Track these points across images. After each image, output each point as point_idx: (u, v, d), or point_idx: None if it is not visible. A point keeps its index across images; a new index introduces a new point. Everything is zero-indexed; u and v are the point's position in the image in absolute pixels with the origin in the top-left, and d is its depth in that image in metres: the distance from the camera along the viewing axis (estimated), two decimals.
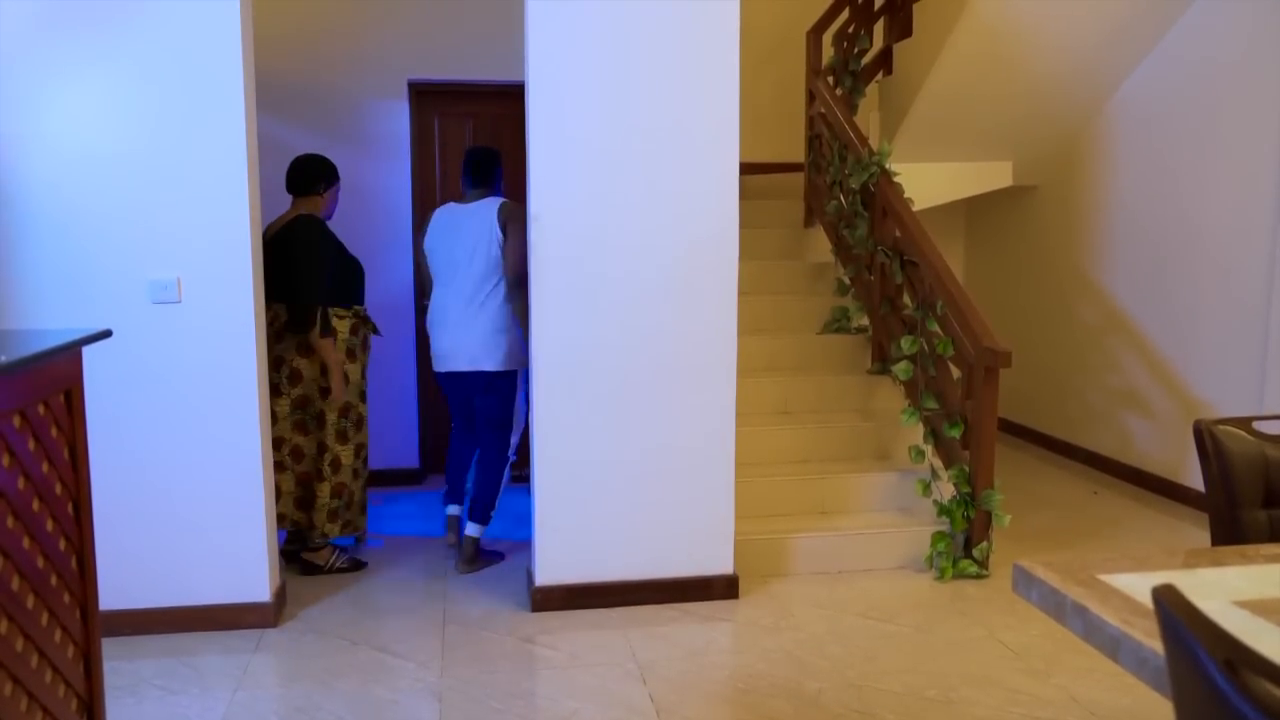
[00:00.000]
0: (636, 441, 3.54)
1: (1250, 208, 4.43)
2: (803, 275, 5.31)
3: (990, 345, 3.80)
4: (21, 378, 1.85)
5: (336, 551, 3.96)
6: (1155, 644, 1.28)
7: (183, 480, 3.30)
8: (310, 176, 3.91)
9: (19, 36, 3.11)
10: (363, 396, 3.98)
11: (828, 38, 5.42)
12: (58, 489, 2.01)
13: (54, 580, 1.98)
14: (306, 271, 3.73)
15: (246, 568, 3.38)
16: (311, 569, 3.91)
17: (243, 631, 3.36)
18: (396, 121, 5.06)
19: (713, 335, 3.56)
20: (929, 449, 4.11)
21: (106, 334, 2.17)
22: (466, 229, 3.86)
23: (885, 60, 5.58)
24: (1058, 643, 3.23)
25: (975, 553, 3.87)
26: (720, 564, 3.66)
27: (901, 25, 5.40)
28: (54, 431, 2.00)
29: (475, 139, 5.23)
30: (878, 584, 3.83)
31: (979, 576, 3.87)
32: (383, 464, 5.05)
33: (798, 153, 5.76)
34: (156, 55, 3.17)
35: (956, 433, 3.94)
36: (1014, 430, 6.24)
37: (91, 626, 2.15)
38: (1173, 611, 1.01)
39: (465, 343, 3.85)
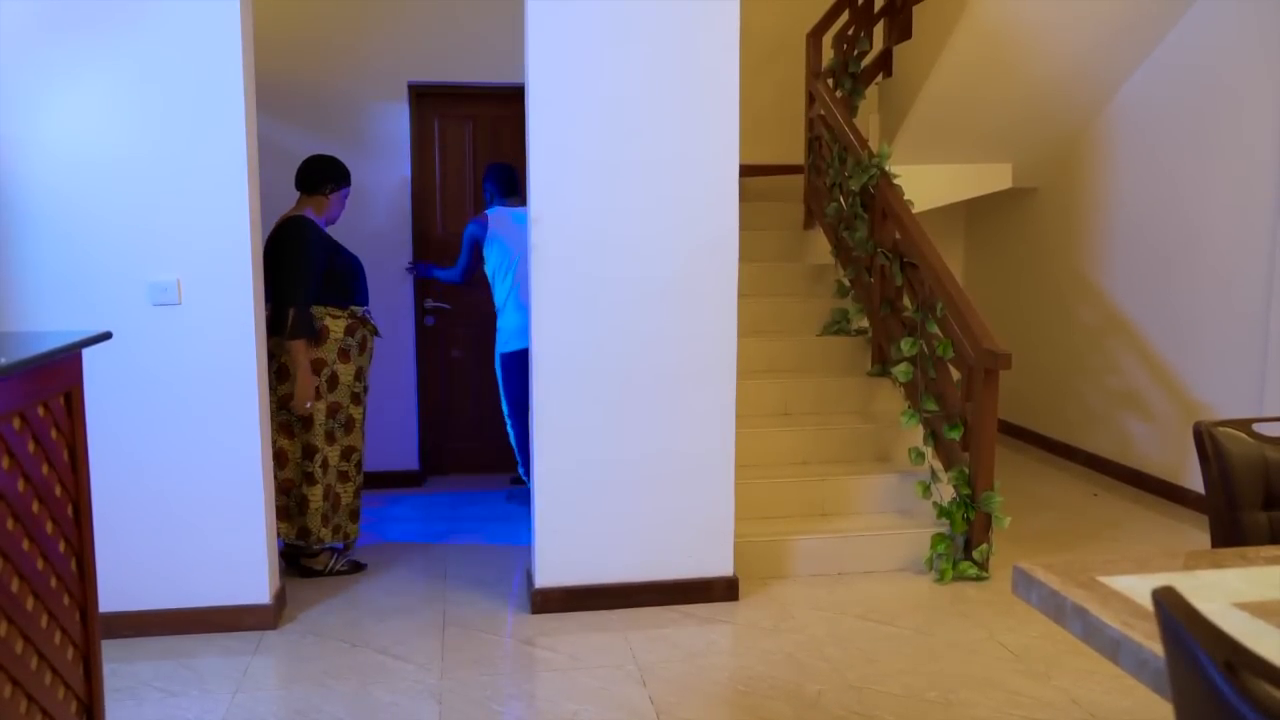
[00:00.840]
0: (636, 443, 3.54)
1: (1250, 209, 4.43)
2: (802, 277, 5.31)
3: (990, 347, 3.80)
4: (21, 380, 1.85)
5: (335, 555, 3.96)
6: (1155, 646, 1.28)
7: (182, 482, 3.30)
8: (317, 176, 3.92)
9: (18, 39, 3.11)
10: (356, 399, 3.94)
11: (827, 40, 5.43)
12: (57, 491, 2.01)
13: (54, 582, 1.98)
14: (285, 273, 3.73)
15: (246, 570, 3.38)
16: (311, 573, 3.91)
17: (242, 633, 3.36)
18: (396, 123, 5.06)
19: (713, 337, 3.56)
20: (929, 451, 4.11)
21: (106, 336, 2.17)
22: (523, 227, 3.99)
23: (885, 62, 5.59)
24: (1058, 645, 3.22)
25: (975, 554, 3.87)
26: (720, 566, 3.66)
27: (901, 27, 5.41)
28: (54, 433, 2.00)
29: (475, 141, 5.25)
30: (878, 586, 3.83)
31: (979, 578, 3.86)
32: (382, 466, 5.05)
33: (797, 155, 5.76)
34: (157, 57, 3.17)
35: (956, 434, 3.94)
36: (1014, 432, 6.24)
37: (91, 628, 2.15)
38: (1173, 613, 1.01)
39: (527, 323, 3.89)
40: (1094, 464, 5.51)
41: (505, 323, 4.66)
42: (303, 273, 3.75)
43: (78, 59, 3.14)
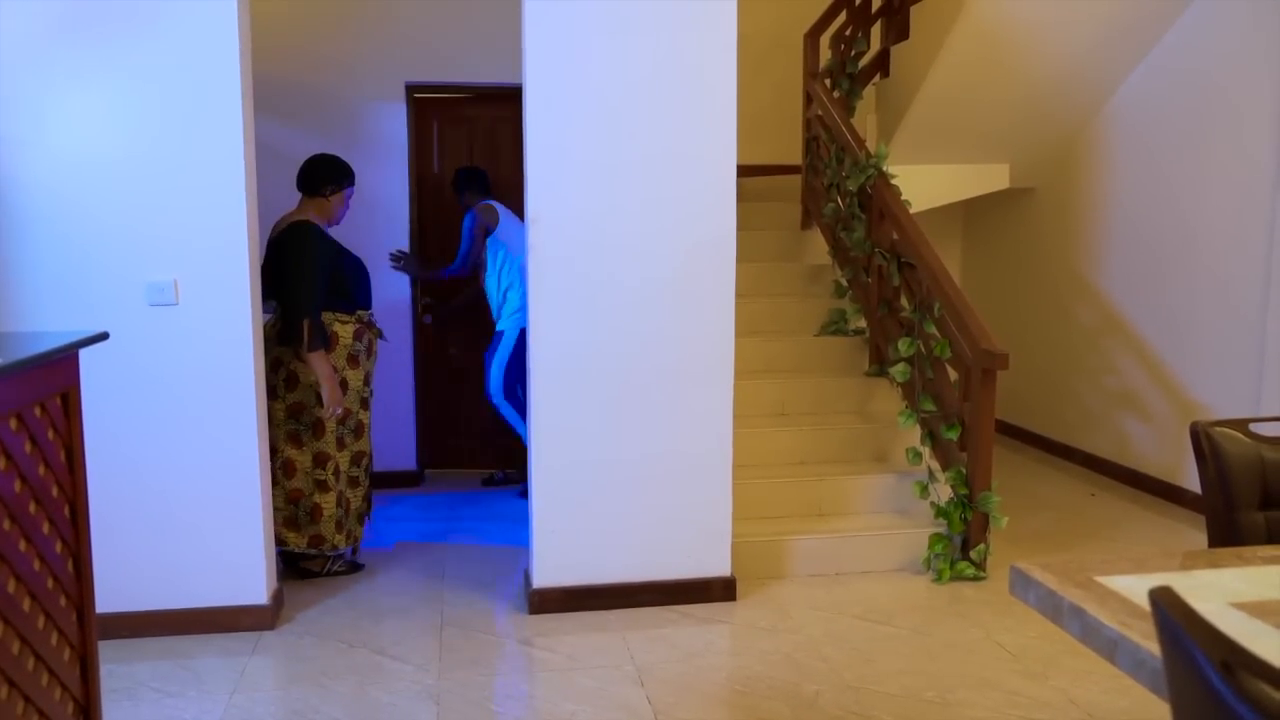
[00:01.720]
0: (634, 443, 3.54)
1: (1246, 209, 4.43)
2: (800, 277, 5.31)
3: (988, 347, 3.80)
4: (18, 380, 1.85)
5: (334, 555, 3.95)
6: (1152, 646, 1.28)
7: (180, 482, 3.30)
8: (318, 177, 3.89)
9: (17, 41, 3.10)
10: (364, 403, 3.93)
11: (825, 40, 5.43)
12: (54, 491, 2.01)
13: (50, 583, 1.97)
14: (294, 284, 3.69)
15: (244, 570, 3.38)
16: (308, 573, 3.90)
17: (240, 634, 3.35)
18: (394, 124, 5.06)
19: (711, 337, 3.56)
20: (926, 451, 4.12)
21: (104, 336, 2.17)
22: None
23: (883, 62, 5.59)
24: (1055, 644, 3.23)
25: (973, 554, 3.87)
26: (718, 566, 3.66)
27: (899, 28, 5.41)
28: (51, 434, 2.00)
29: (473, 141, 5.25)
30: (875, 586, 3.83)
31: (976, 578, 3.87)
32: (379, 466, 5.04)
33: (795, 155, 5.76)
34: (155, 58, 3.17)
35: (954, 435, 3.95)
36: (1011, 432, 6.25)
37: (88, 629, 2.14)
38: (1170, 613, 1.01)
39: None
40: (1091, 464, 5.52)
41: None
42: (312, 283, 3.71)
43: (76, 60, 3.14)
